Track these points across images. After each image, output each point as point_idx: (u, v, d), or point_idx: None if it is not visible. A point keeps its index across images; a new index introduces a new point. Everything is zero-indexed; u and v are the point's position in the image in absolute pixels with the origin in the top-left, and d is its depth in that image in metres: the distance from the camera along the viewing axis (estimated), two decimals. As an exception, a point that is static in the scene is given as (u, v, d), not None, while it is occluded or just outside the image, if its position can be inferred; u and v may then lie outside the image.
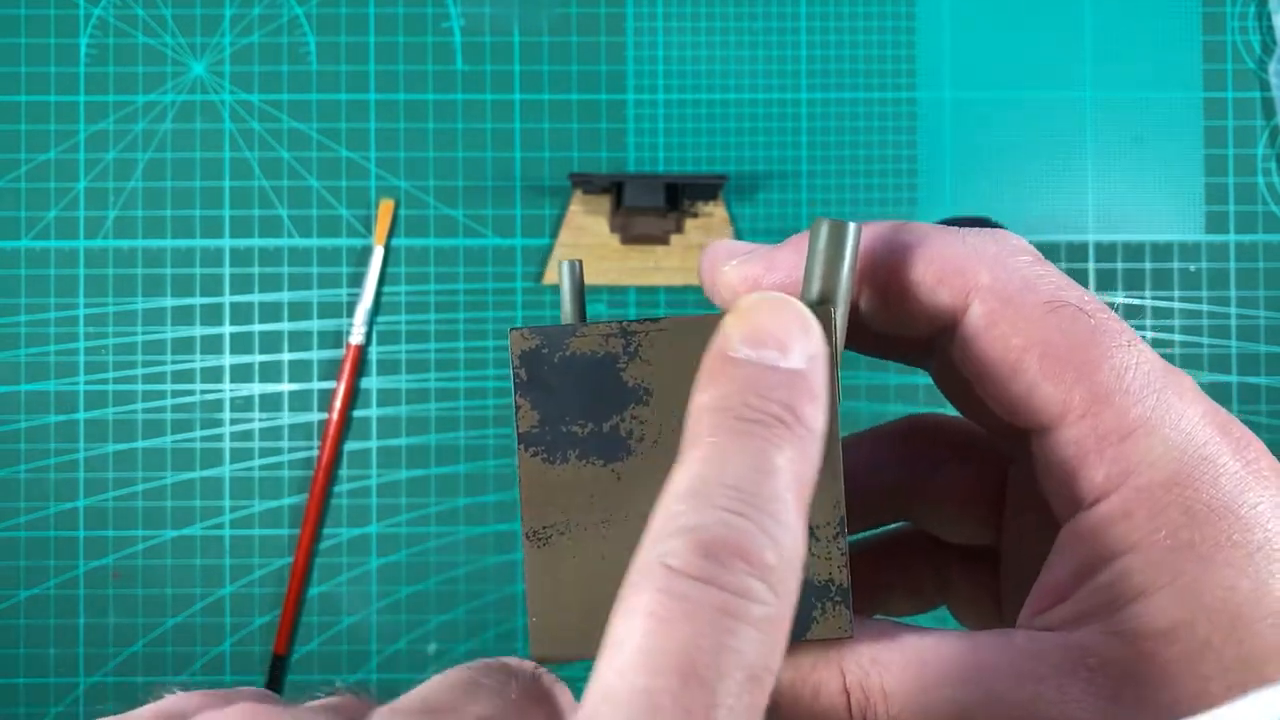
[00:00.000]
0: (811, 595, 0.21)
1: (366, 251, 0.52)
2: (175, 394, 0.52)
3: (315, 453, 0.52)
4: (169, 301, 0.52)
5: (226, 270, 0.52)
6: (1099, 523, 0.20)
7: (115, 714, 0.21)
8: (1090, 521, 0.20)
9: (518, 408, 0.22)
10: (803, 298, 0.21)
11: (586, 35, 0.53)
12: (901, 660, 0.20)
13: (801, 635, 0.21)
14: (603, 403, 0.22)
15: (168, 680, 0.51)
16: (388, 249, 0.52)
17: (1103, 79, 0.54)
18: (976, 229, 0.22)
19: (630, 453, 0.22)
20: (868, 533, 0.28)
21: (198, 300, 0.52)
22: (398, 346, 0.53)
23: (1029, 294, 0.21)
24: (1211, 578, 0.19)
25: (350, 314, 0.52)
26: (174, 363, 0.52)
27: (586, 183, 0.51)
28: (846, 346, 0.25)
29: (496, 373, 0.53)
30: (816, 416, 0.19)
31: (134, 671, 0.51)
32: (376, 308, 0.52)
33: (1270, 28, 0.54)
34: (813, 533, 0.21)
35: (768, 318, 0.20)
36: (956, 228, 0.22)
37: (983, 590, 0.28)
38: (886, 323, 0.23)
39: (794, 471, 0.18)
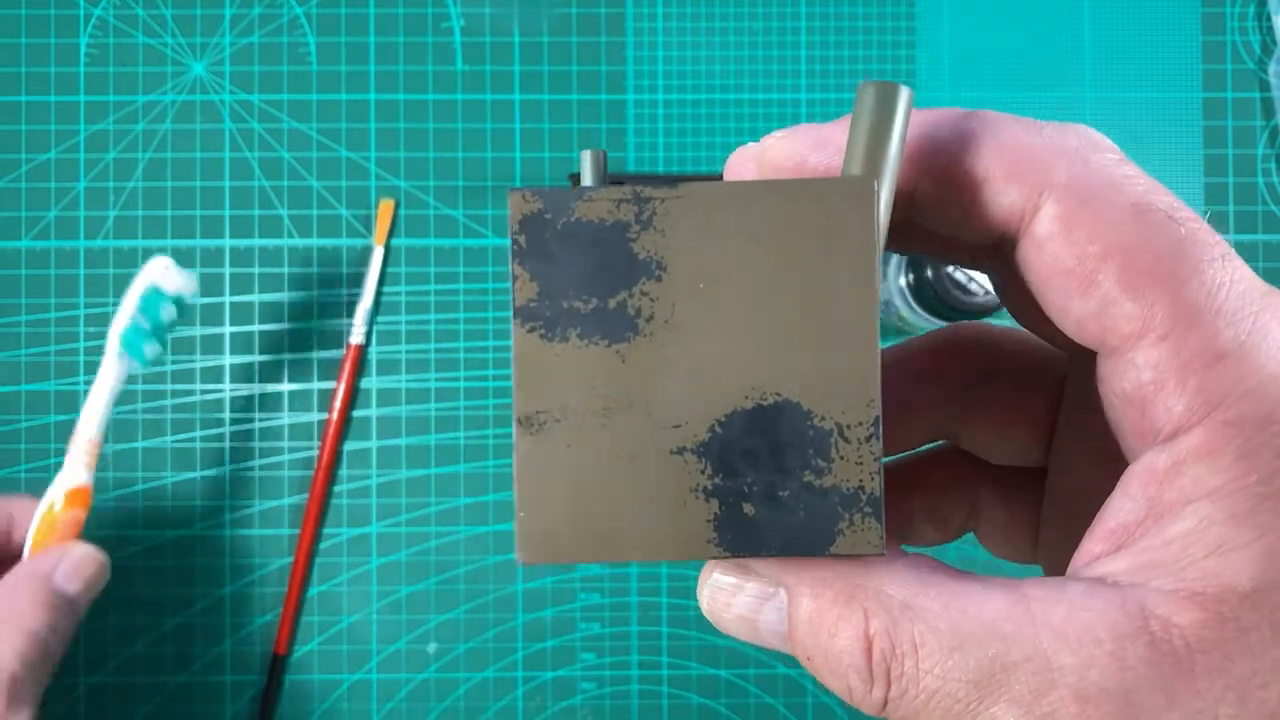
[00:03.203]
0: (838, 503, 0.19)
1: (366, 251, 0.52)
2: (175, 394, 0.52)
3: (315, 453, 0.52)
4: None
5: (226, 270, 0.52)
6: (1176, 460, 0.17)
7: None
8: (1165, 458, 0.18)
9: (514, 278, 0.19)
10: (844, 171, 0.19)
11: (586, 35, 0.53)
12: (940, 608, 0.18)
13: (825, 549, 0.19)
14: (609, 276, 0.19)
15: (167, 680, 0.51)
16: (388, 249, 0.52)
17: (1103, 79, 0.54)
18: (1057, 123, 0.20)
19: (638, 333, 0.19)
20: (900, 455, 0.26)
21: (197, 300, 0.52)
22: (398, 346, 0.53)
23: (1112, 195, 0.18)
24: None
25: (350, 314, 0.52)
26: (174, 362, 0.52)
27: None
28: (904, 248, 0.23)
29: (496, 373, 0.53)
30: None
31: (134, 671, 0.51)
32: (376, 308, 0.53)
33: (1270, 28, 0.54)
34: (842, 432, 0.19)
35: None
36: (1033, 119, 0.20)
37: (1019, 520, 0.25)
38: (948, 221, 0.20)
39: None
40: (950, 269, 0.45)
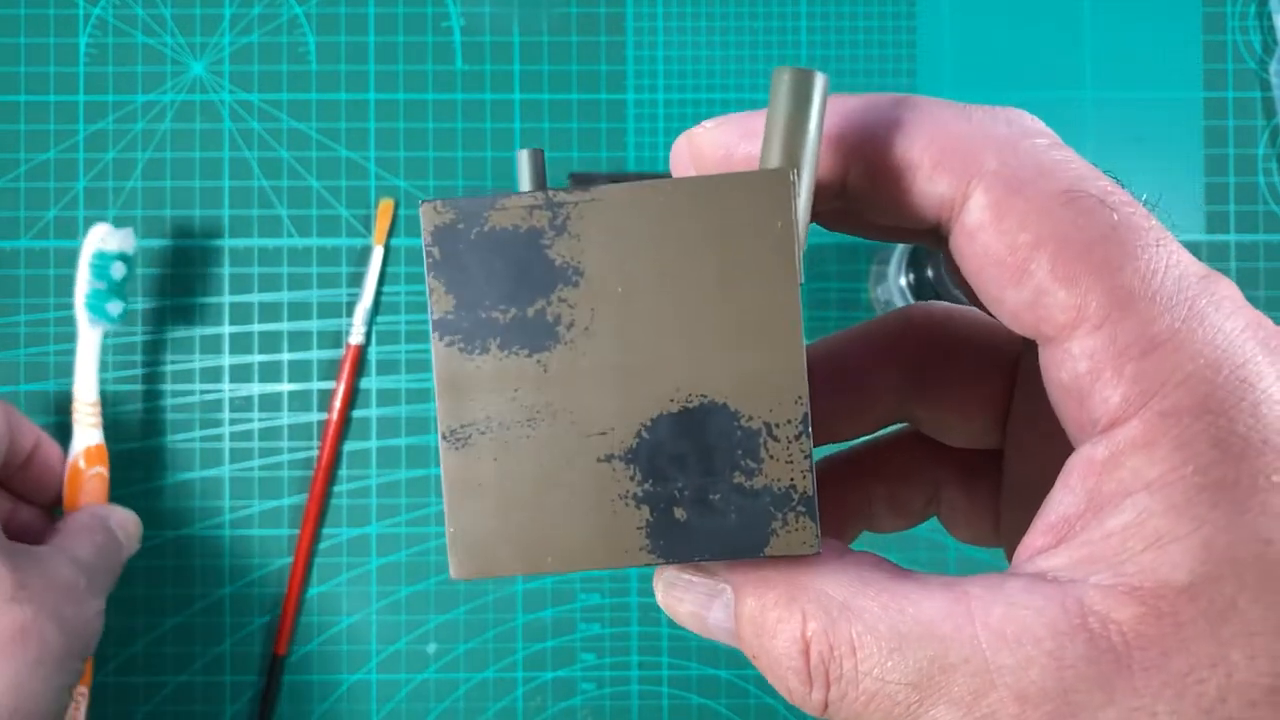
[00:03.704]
0: (770, 503, 0.18)
1: (366, 251, 0.52)
2: (174, 394, 0.52)
3: (315, 453, 0.52)
4: (168, 301, 0.52)
5: (226, 270, 0.52)
6: (1114, 452, 0.17)
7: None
8: (1103, 450, 0.17)
9: (431, 291, 0.19)
10: (762, 162, 0.19)
11: (586, 35, 0.53)
12: (879, 608, 0.18)
13: (760, 550, 0.18)
14: (527, 284, 0.19)
15: (167, 680, 0.51)
16: (387, 249, 0.52)
17: (1103, 79, 0.54)
18: (987, 106, 0.19)
19: (558, 341, 0.19)
20: (858, 441, 0.26)
21: (197, 300, 0.52)
22: (397, 346, 0.53)
23: (1043, 182, 0.18)
24: (1244, 527, 0.16)
25: (350, 314, 0.52)
26: (173, 363, 0.52)
27: (587, 182, 0.51)
28: (844, 231, 0.23)
29: (496, 373, 0.52)
30: None
31: (134, 671, 0.51)
32: (376, 308, 0.52)
33: (1271, 27, 0.54)
34: (771, 431, 0.19)
35: None
36: (963, 104, 0.19)
37: (980, 503, 0.25)
38: (881, 211, 0.20)
39: None
40: (940, 261, 0.45)
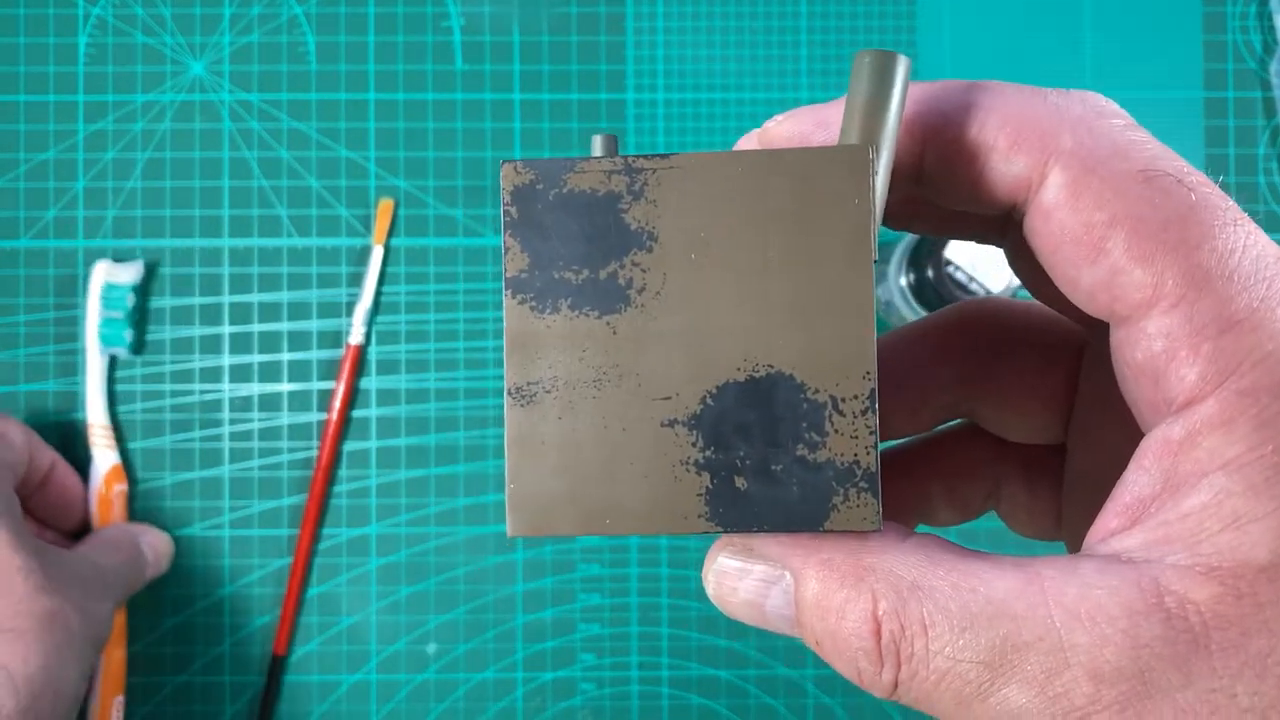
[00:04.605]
0: (832, 478, 0.18)
1: (366, 251, 0.52)
2: (174, 394, 0.52)
3: (314, 453, 0.52)
4: (168, 301, 0.52)
5: (225, 270, 0.52)
6: (1190, 431, 0.17)
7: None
8: (1179, 429, 0.17)
9: (506, 249, 0.19)
10: (841, 141, 0.19)
11: (586, 35, 0.53)
12: (949, 588, 0.18)
13: (819, 524, 0.18)
14: (601, 247, 0.19)
15: (167, 680, 0.51)
16: (387, 249, 0.52)
17: (1103, 79, 0.54)
18: (1062, 90, 0.19)
19: (629, 304, 0.19)
20: (917, 436, 0.26)
21: (196, 300, 0.52)
22: (397, 346, 0.53)
23: (1119, 162, 0.18)
24: None
25: (349, 314, 0.52)
26: (172, 362, 0.52)
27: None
28: (912, 226, 0.23)
29: (495, 373, 0.52)
30: None
31: (133, 672, 0.51)
32: (376, 308, 0.52)
33: (1271, 27, 0.53)
34: (837, 405, 0.18)
35: None
36: (1038, 87, 0.19)
37: (1041, 498, 0.25)
38: (954, 195, 0.20)
39: None
40: (950, 269, 0.45)
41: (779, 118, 0.21)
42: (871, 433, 0.18)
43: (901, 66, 0.19)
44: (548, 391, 0.19)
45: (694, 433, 0.19)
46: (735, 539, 0.20)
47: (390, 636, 0.52)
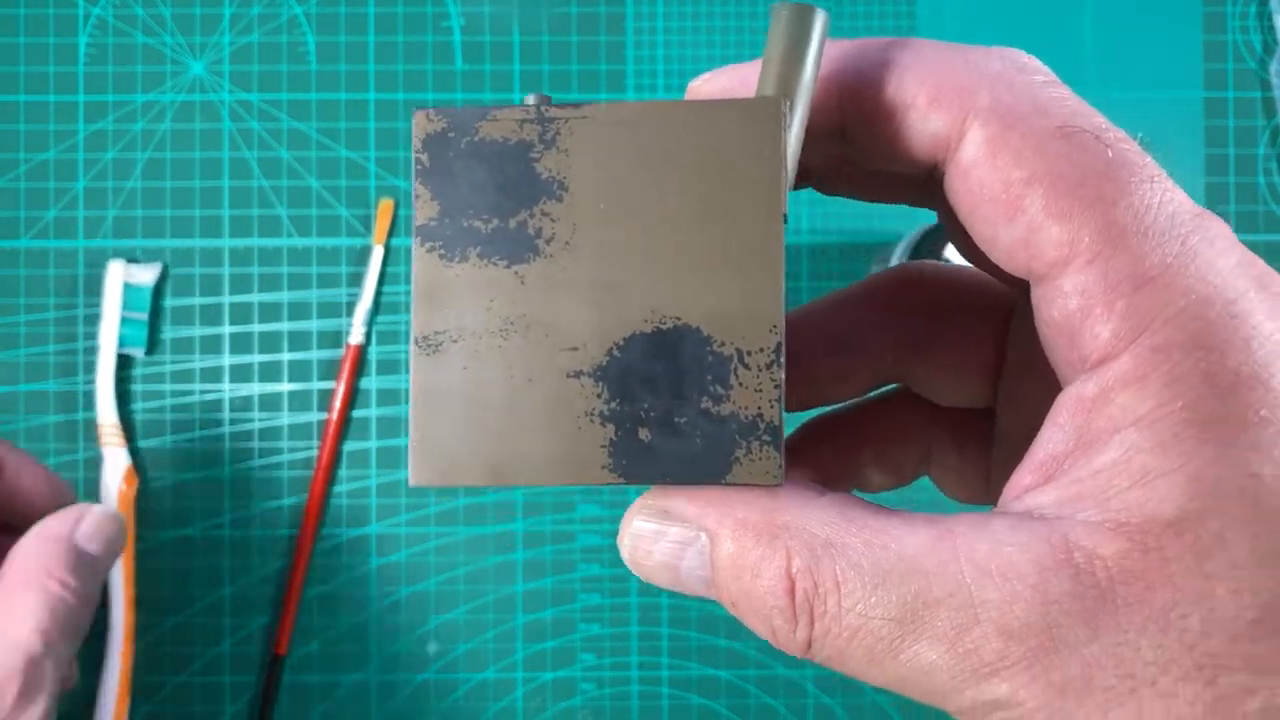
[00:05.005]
0: (735, 431, 0.18)
1: (366, 251, 0.52)
2: (174, 394, 0.52)
3: (315, 453, 0.52)
4: (168, 301, 0.52)
5: (225, 270, 0.52)
6: (1103, 388, 0.17)
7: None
8: (1093, 386, 0.17)
9: (416, 197, 0.19)
10: (758, 93, 0.19)
11: (586, 35, 0.53)
12: (862, 545, 0.18)
13: (721, 477, 0.18)
14: (511, 196, 0.19)
15: (167, 680, 0.51)
16: (387, 249, 0.52)
17: (1103, 79, 0.54)
18: (983, 46, 0.19)
19: (537, 254, 0.19)
20: (850, 401, 0.26)
21: (196, 300, 0.52)
22: (397, 346, 0.53)
23: (1037, 118, 0.18)
24: (1232, 461, 0.16)
25: (349, 314, 0.52)
26: (172, 363, 0.52)
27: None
28: (841, 191, 0.23)
29: (496, 373, 0.52)
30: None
31: (134, 672, 0.51)
32: (376, 308, 0.52)
33: (1271, 27, 0.53)
34: (742, 359, 0.18)
35: None
36: (958, 44, 0.19)
37: (972, 462, 0.25)
38: (876, 155, 0.20)
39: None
40: (944, 259, 0.45)
41: (705, 75, 0.21)
42: (776, 386, 0.18)
43: (819, 20, 0.19)
44: (454, 341, 0.19)
45: (599, 384, 0.19)
46: (651, 501, 0.20)
47: (391, 636, 0.52)
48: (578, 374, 0.19)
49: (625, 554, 0.21)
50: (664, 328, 0.19)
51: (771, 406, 0.18)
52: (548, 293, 0.19)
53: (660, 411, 0.19)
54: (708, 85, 0.21)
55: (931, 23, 0.54)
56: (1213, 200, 0.53)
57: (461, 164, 0.19)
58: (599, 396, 0.19)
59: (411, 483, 0.19)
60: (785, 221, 0.19)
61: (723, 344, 0.19)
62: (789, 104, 0.19)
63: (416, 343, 0.19)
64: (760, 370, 0.18)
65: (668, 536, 0.20)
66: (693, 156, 0.19)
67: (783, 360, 0.18)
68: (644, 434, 0.19)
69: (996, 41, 0.19)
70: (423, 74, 0.53)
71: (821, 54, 0.19)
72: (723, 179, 0.19)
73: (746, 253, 0.19)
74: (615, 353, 0.19)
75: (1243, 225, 0.53)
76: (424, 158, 0.19)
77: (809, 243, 0.53)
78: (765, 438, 0.18)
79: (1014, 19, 0.54)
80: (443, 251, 0.19)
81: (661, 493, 0.20)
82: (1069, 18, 0.54)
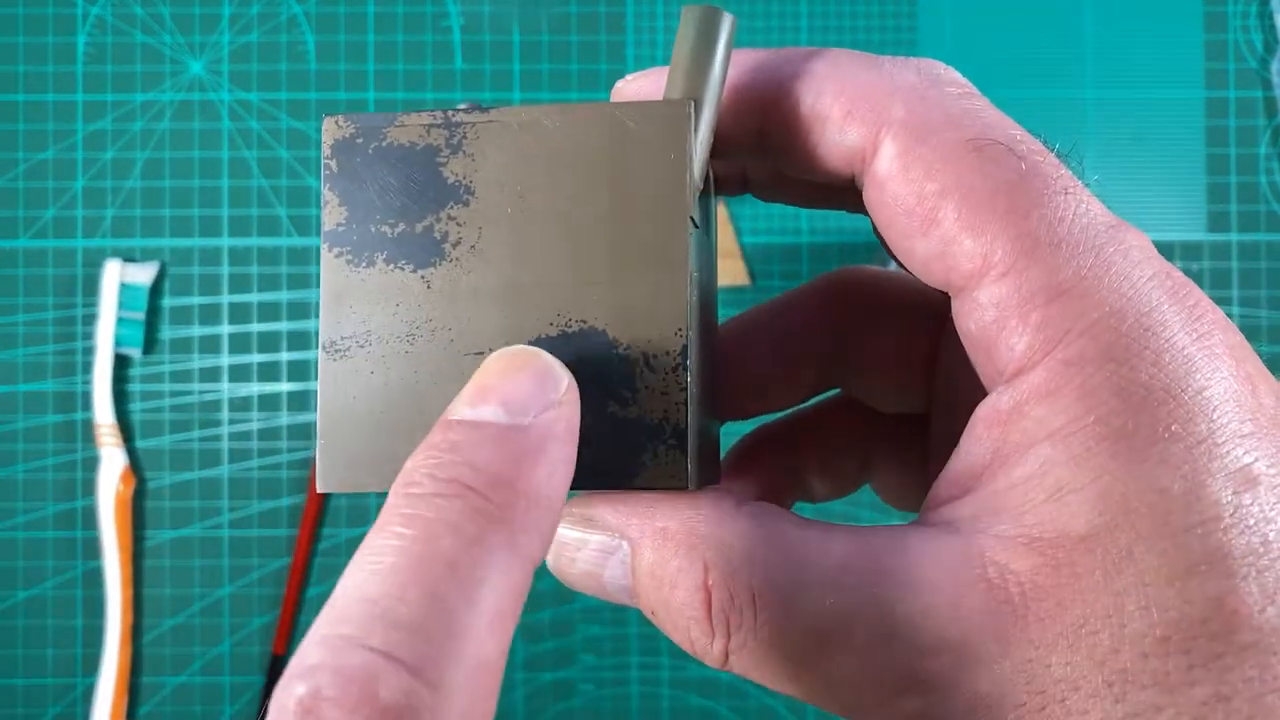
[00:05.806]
0: (642, 435, 0.18)
1: (365, 251, 0.52)
2: (173, 394, 0.52)
3: (314, 453, 0.52)
4: (166, 301, 0.52)
5: (225, 270, 0.52)
6: (1018, 401, 0.17)
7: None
8: (1008, 399, 0.17)
9: (325, 203, 0.19)
10: (665, 96, 0.19)
11: (586, 34, 0.53)
12: (780, 558, 0.17)
13: (629, 481, 0.18)
14: (418, 201, 0.19)
15: (167, 680, 0.51)
16: (387, 249, 0.52)
17: (1103, 78, 0.54)
18: (899, 57, 0.19)
19: (444, 258, 0.19)
20: (791, 409, 0.25)
21: (196, 300, 0.52)
22: (397, 346, 0.53)
23: (950, 131, 0.18)
24: (1142, 477, 0.16)
25: (349, 314, 0.52)
26: (171, 362, 0.52)
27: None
28: (779, 198, 0.22)
29: (496, 373, 0.52)
30: (544, 482, 0.16)
31: (134, 671, 0.51)
32: (375, 307, 0.52)
33: (1272, 26, 0.53)
34: (648, 362, 0.18)
35: (495, 369, 0.16)
36: (875, 55, 0.19)
37: (910, 468, 0.25)
38: (797, 166, 0.20)
39: (495, 594, 0.15)
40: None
41: (630, 76, 0.21)
42: (683, 389, 0.18)
43: (726, 23, 0.19)
44: (361, 346, 0.19)
45: None
46: (574, 509, 0.20)
47: (390, 637, 0.52)
48: None
49: (550, 562, 0.20)
50: (570, 331, 0.19)
51: (678, 409, 0.18)
52: (454, 297, 0.19)
53: None
54: (631, 86, 0.20)
55: (932, 23, 0.54)
56: (1214, 200, 0.53)
57: (369, 170, 0.19)
58: None
59: (319, 489, 0.19)
60: (695, 225, 0.19)
61: (629, 347, 0.18)
62: (695, 106, 0.18)
63: (324, 348, 0.19)
64: (666, 373, 0.18)
65: (590, 545, 0.19)
66: (599, 159, 0.19)
67: (690, 363, 0.18)
68: None
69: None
70: (422, 74, 0.53)
71: (729, 57, 0.19)
72: (629, 181, 0.19)
73: (652, 255, 0.18)
74: None
75: (1244, 225, 0.53)
76: (333, 163, 0.19)
77: (809, 243, 0.53)
78: (671, 441, 0.18)
79: (1014, 19, 0.54)
80: (350, 257, 0.19)
81: (586, 500, 0.19)
82: (1069, 18, 0.54)
